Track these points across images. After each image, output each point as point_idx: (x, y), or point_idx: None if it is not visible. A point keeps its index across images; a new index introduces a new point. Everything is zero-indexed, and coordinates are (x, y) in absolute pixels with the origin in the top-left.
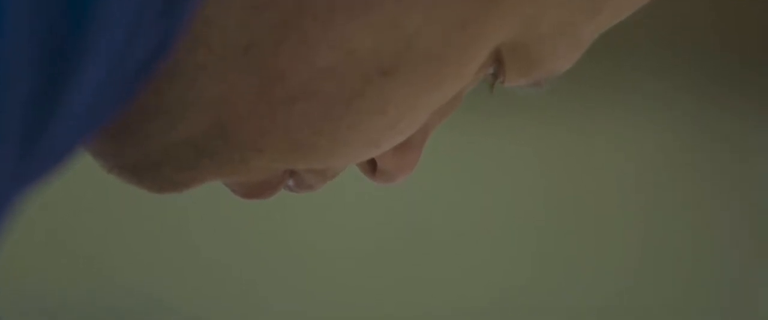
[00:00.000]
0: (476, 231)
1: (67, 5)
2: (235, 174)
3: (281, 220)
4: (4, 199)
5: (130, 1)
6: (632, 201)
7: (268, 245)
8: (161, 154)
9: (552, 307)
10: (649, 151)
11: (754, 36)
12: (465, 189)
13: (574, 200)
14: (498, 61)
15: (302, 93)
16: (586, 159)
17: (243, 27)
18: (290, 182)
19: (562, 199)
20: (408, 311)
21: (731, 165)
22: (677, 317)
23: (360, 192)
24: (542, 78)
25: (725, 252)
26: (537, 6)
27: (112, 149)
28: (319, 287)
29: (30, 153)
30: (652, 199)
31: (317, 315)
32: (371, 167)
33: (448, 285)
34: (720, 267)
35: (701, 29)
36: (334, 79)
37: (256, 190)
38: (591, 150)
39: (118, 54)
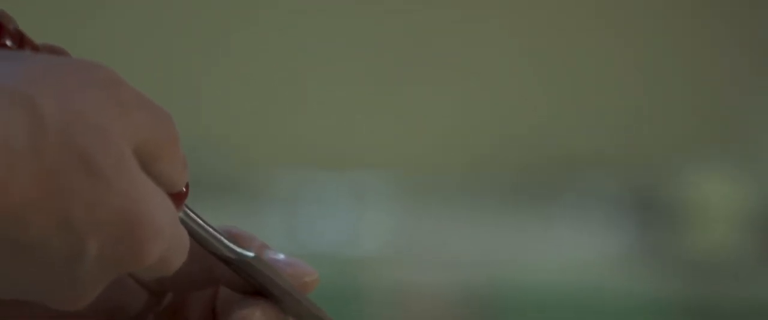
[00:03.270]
0: (478, 70)
1: None
2: None
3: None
4: None
5: None
6: (632, 34)
7: (267, 72)
8: None
9: (556, 148)
10: None
11: None
12: (460, 25)
13: (572, 35)
14: None
15: None
16: None
17: None
18: None
19: (559, 36)
20: (409, 147)
21: None
22: (681, 148)
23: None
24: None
25: (725, 82)
26: None
27: None
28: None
29: None
30: (652, 33)
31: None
32: None
33: (454, 129)
34: (720, 99)
35: None
36: None
37: None
38: None
39: None
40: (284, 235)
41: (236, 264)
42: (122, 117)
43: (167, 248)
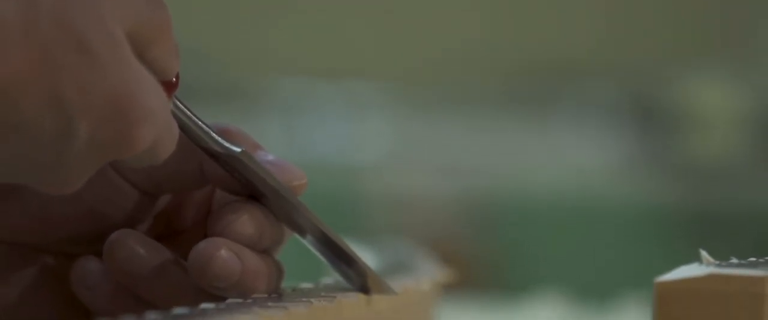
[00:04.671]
0: None
1: None
2: None
3: None
4: None
5: None
6: None
7: None
8: None
9: (554, 55)
10: None
11: None
12: None
13: None
14: None
15: None
16: None
17: None
18: None
19: None
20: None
21: None
22: (680, 53)
23: None
24: None
25: None
26: None
27: None
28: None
29: None
30: None
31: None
32: None
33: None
34: (719, 3)
35: None
36: None
37: None
38: None
39: None
40: (283, 144)
41: (224, 159)
42: None
43: (157, 135)
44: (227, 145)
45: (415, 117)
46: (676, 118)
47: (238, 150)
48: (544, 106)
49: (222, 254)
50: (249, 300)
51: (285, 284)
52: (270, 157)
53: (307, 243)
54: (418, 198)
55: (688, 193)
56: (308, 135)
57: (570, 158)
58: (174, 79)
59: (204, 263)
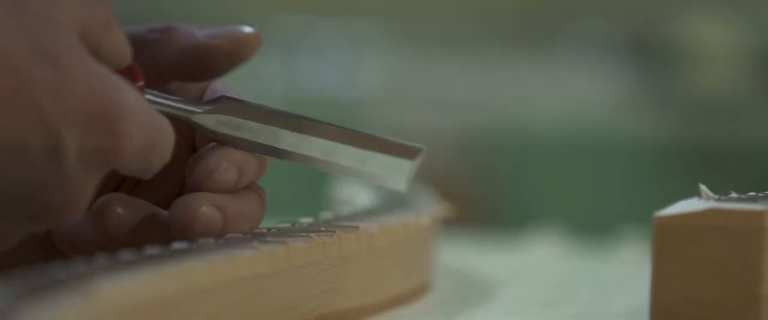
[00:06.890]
0: None
1: None
2: None
3: None
4: None
5: None
6: None
7: None
8: None
9: None
10: None
11: None
12: None
13: None
14: None
15: None
16: None
17: None
18: None
19: None
20: None
21: None
22: None
23: None
24: None
25: None
26: None
27: None
28: None
29: None
30: None
31: None
32: None
33: None
34: None
35: None
36: None
37: None
38: None
39: None
40: (282, 80)
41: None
42: (59, 4)
43: (147, 135)
44: (203, 110)
45: (414, 53)
46: (676, 53)
47: (215, 120)
48: (544, 42)
49: (204, 211)
50: (249, 235)
51: (285, 220)
52: (209, 31)
53: (319, 166)
54: (417, 134)
55: (687, 128)
56: (307, 71)
57: (570, 94)
58: (134, 66)
59: (187, 222)
